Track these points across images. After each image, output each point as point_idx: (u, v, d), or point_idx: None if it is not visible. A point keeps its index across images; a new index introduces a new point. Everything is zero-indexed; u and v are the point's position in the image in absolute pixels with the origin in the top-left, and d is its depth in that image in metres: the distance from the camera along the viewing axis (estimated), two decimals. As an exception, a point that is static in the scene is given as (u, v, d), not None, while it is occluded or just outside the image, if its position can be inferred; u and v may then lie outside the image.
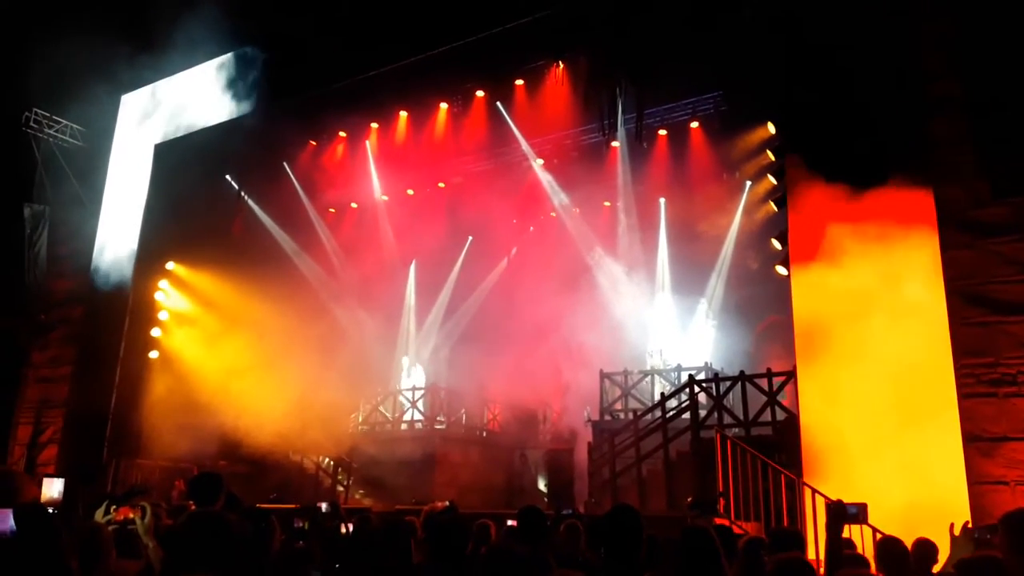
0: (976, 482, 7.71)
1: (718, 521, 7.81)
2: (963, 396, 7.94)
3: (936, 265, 8.32)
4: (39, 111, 16.61)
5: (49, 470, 15.09)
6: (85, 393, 15.50)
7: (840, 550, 3.60)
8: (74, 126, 17.26)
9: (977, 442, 7.82)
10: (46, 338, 16.85)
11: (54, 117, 16.87)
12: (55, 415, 15.92)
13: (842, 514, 3.58)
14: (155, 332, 16.06)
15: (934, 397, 8.04)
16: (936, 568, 5.07)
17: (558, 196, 17.11)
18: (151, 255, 16.15)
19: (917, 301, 8.36)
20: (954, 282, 8.22)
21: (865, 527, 6.33)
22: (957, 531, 4.72)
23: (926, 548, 5.26)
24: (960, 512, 7.10)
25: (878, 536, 6.06)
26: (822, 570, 3.96)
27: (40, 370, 16.75)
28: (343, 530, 7.35)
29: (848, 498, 4.65)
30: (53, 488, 14.11)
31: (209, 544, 3.16)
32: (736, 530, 7.44)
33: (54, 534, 2.92)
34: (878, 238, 8.69)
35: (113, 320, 15.76)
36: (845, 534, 5.14)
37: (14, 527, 2.85)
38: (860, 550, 6.01)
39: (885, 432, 8.17)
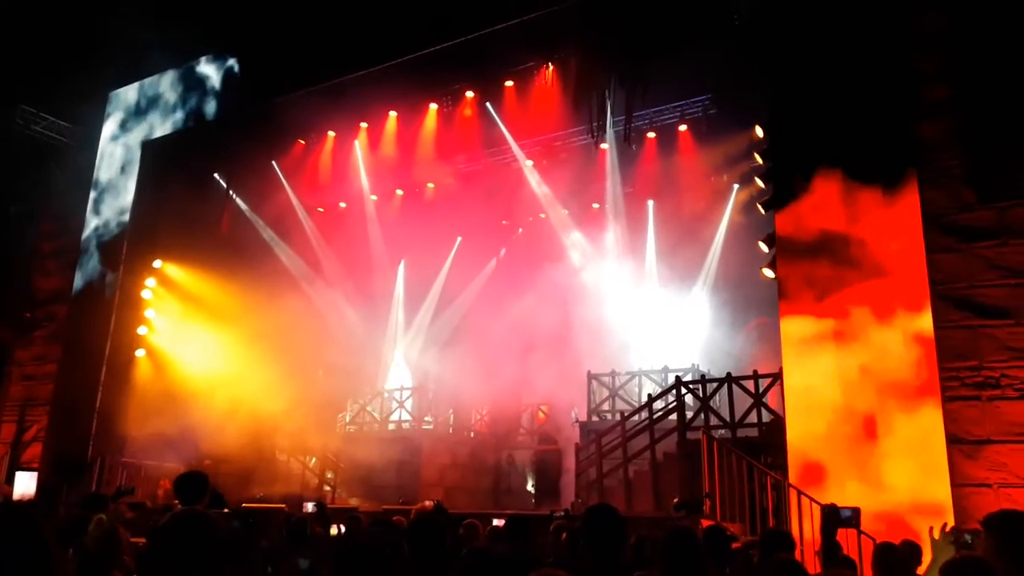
0: (959, 484, 7.77)
1: (708, 522, 7.85)
2: (947, 399, 8.00)
3: (922, 268, 8.38)
4: (26, 107, 16.48)
5: (34, 468, 14.99)
6: (70, 391, 15.38)
7: (835, 553, 3.64)
8: (61, 123, 17.13)
9: (960, 444, 7.88)
10: (31, 336, 16.72)
11: (41, 114, 16.74)
12: (39, 413, 15.79)
13: (836, 518, 3.61)
14: (142, 330, 15.95)
15: (918, 399, 8.09)
16: (920, 570, 5.12)
17: (547, 197, 17.12)
18: (138, 253, 16.03)
19: (903, 303, 8.41)
20: (939, 286, 8.29)
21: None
22: (936, 534, 4.76)
23: (909, 550, 5.31)
24: (943, 514, 7.16)
25: (862, 538, 6.11)
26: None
27: (25, 368, 16.62)
28: (333, 531, 7.35)
29: (833, 500, 4.69)
30: (25, 483, 14.06)
31: (194, 544, 3.15)
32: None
33: (37, 531, 2.88)
34: (864, 241, 8.74)
35: (99, 318, 15.64)
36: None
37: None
38: (845, 550, 6.06)
39: (868, 435, 8.22)
